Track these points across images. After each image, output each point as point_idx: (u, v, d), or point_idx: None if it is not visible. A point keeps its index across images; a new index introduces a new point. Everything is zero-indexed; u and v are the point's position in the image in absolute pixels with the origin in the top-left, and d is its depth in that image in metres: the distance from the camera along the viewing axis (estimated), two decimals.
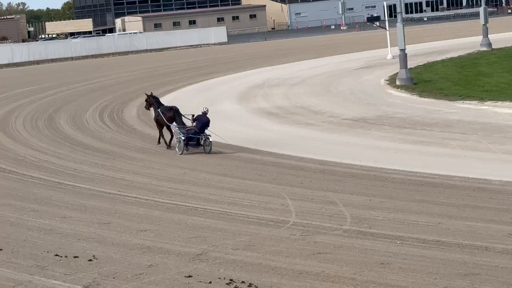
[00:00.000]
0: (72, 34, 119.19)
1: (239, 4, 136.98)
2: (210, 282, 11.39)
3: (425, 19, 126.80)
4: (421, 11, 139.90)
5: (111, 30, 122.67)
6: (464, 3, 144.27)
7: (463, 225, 13.74)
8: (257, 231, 14.04)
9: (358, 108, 30.18)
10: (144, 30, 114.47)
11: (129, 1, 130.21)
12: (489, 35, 53.29)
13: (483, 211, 14.64)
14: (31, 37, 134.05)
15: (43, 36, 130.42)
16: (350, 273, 11.52)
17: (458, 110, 28.03)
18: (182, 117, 23.81)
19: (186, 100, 35.78)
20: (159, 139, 24.37)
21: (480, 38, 54.30)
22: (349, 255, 12.39)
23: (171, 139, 23.96)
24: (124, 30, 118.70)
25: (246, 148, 23.23)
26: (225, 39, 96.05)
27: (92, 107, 36.63)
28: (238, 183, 18.36)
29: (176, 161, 21.94)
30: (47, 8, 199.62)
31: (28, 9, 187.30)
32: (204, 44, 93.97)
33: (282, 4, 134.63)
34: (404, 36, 36.40)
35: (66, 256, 12.95)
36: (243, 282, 11.32)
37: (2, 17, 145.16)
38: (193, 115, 23.11)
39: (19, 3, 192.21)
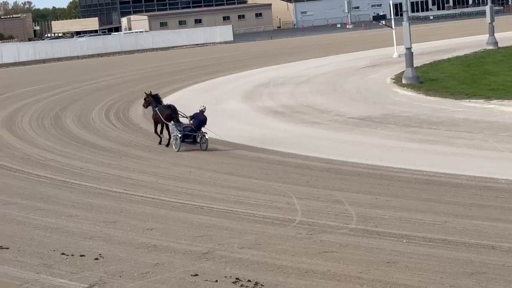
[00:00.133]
0: (78, 33, 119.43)
1: (245, 2, 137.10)
2: (216, 281, 11.39)
3: (431, 17, 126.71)
4: (427, 9, 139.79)
5: (117, 29, 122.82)
6: (470, 1, 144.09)
7: (470, 224, 13.72)
8: (263, 229, 14.04)
9: (364, 107, 30.14)
10: (150, 29, 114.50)
11: None
12: (495, 34, 53.18)
13: (490, 210, 14.61)
14: (37, 36, 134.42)
15: (49, 35, 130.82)
16: (356, 271, 11.51)
17: (464, 109, 27.98)
18: (179, 115, 23.95)
19: (192, 99, 35.79)
20: (160, 140, 24.38)
21: (486, 36, 54.20)
22: (355, 253, 12.37)
23: (169, 139, 23.99)
24: (130, 29, 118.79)
25: (252, 146, 23.23)
26: (231, 38, 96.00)
27: (98, 106, 36.66)
28: (244, 182, 18.37)
29: (182, 160, 21.94)
30: (53, 7, 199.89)
31: (34, 8, 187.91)
32: (210, 43, 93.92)
33: (288, 3, 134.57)
34: (410, 34, 36.36)
35: (72, 255, 12.97)
36: (249, 280, 11.32)
37: (9, 16, 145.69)
38: (190, 116, 23.26)
39: (25, 2, 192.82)
